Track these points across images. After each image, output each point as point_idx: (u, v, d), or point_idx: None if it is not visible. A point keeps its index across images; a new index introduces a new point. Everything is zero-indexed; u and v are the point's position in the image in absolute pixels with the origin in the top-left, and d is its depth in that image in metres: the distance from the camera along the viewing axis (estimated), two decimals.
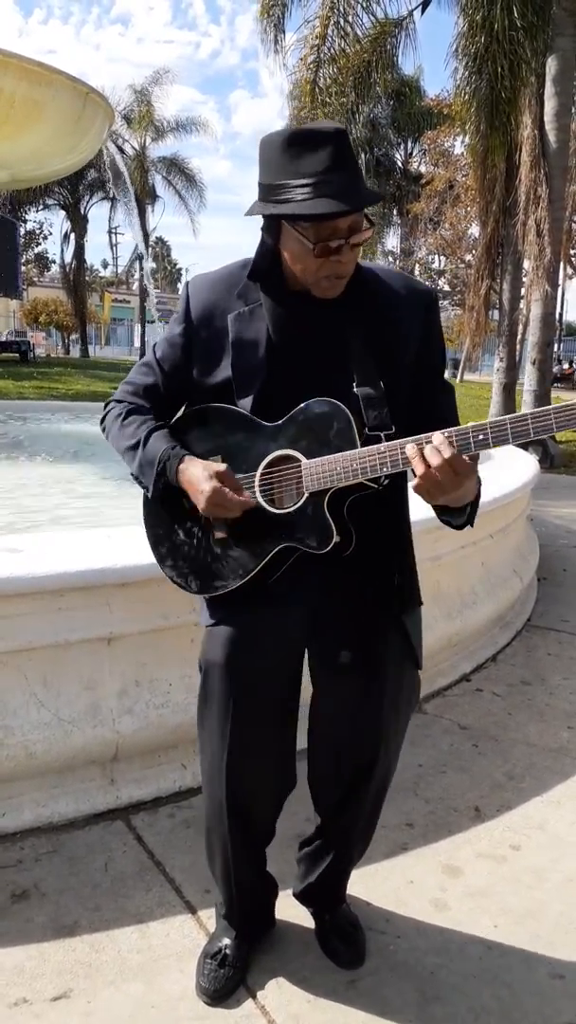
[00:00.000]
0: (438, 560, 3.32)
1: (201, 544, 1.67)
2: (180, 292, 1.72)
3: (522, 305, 16.02)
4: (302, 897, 1.96)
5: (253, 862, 1.86)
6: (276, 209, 1.47)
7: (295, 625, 1.67)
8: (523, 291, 15.20)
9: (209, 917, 1.97)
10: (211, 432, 1.65)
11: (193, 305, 1.68)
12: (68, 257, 35.20)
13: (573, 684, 3.53)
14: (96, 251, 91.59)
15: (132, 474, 1.70)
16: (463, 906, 2.07)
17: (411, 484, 1.43)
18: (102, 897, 2.05)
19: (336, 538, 1.53)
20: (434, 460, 1.37)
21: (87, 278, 41.12)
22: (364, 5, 12.60)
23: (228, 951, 1.83)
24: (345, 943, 1.90)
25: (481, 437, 1.37)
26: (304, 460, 1.54)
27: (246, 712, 1.64)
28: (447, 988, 1.80)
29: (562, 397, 21.88)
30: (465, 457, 1.38)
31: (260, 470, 1.59)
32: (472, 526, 1.59)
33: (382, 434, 1.51)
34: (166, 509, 1.71)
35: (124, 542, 2.52)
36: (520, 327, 17.86)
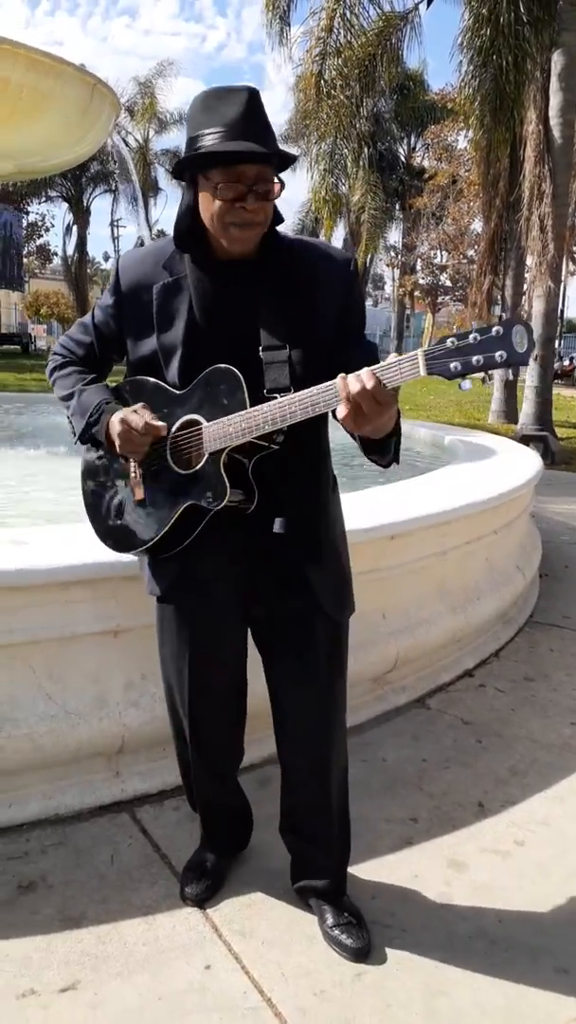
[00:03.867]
0: (444, 556, 3.32)
1: (125, 505, 1.81)
2: (111, 267, 1.78)
3: (524, 301, 15.99)
4: (301, 891, 2.00)
5: (217, 780, 2.07)
6: (189, 155, 1.55)
7: (232, 570, 1.79)
8: (525, 287, 15.17)
9: (215, 910, 1.98)
10: (139, 404, 1.74)
11: (123, 279, 1.76)
12: (70, 249, 34.98)
13: (575, 680, 3.54)
14: (98, 243, 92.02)
15: (69, 421, 1.83)
16: (468, 901, 2.08)
17: (338, 414, 1.49)
18: (108, 889, 2.05)
19: (229, 495, 1.62)
20: (354, 387, 1.43)
21: (89, 270, 40.97)
22: None
23: (208, 864, 2.08)
24: (350, 936, 1.90)
25: (400, 368, 1.43)
26: (204, 423, 1.64)
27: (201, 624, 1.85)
28: (452, 983, 1.81)
29: (563, 394, 21.87)
30: (386, 388, 1.44)
31: (171, 434, 1.70)
32: (398, 463, 1.67)
33: (278, 395, 1.57)
34: (100, 470, 1.86)
35: None
36: None
